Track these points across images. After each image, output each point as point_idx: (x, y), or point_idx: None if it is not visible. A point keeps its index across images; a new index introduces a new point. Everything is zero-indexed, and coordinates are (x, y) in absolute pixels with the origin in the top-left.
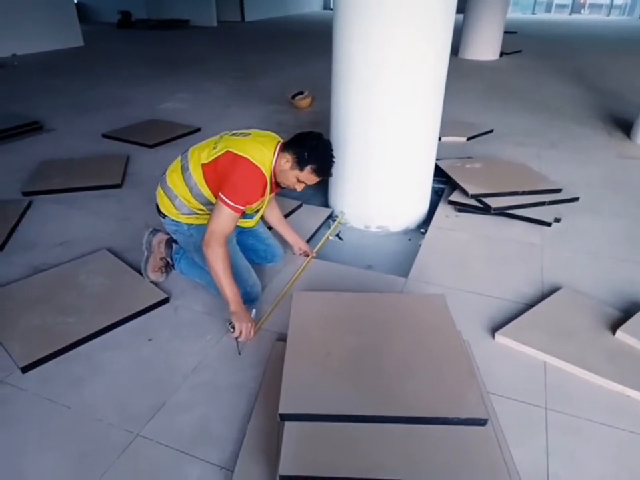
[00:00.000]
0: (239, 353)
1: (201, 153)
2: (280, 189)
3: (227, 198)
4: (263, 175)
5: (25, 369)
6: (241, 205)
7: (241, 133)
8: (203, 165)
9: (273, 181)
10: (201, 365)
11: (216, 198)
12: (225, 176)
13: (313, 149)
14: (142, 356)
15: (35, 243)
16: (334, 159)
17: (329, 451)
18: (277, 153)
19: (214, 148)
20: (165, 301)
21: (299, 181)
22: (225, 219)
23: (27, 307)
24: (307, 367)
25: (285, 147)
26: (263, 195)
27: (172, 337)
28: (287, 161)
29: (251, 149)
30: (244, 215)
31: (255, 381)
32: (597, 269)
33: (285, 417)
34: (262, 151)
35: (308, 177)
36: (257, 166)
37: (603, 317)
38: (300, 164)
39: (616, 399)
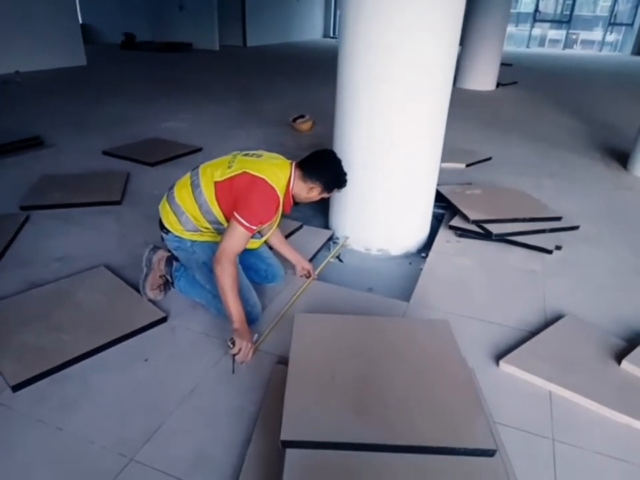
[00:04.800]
0: (233, 372)
1: (215, 171)
2: (292, 207)
3: (241, 217)
4: (278, 195)
5: (15, 388)
6: (255, 225)
7: (253, 154)
8: (216, 183)
9: (291, 203)
10: (199, 387)
11: (227, 218)
12: (240, 196)
13: (337, 175)
14: (138, 377)
15: (31, 258)
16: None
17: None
18: (292, 175)
19: (229, 167)
20: (162, 320)
21: (323, 198)
22: (238, 237)
23: (21, 324)
24: (309, 392)
25: (307, 173)
26: (274, 215)
27: (169, 358)
28: (313, 188)
29: (266, 170)
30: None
31: (254, 404)
32: (599, 297)
33: (287, 444)
34: (276, 173)
35: (332, 193)
36: (272, 187)
37: (607, 346)
38: (329, 189)
39: (623, 431)
